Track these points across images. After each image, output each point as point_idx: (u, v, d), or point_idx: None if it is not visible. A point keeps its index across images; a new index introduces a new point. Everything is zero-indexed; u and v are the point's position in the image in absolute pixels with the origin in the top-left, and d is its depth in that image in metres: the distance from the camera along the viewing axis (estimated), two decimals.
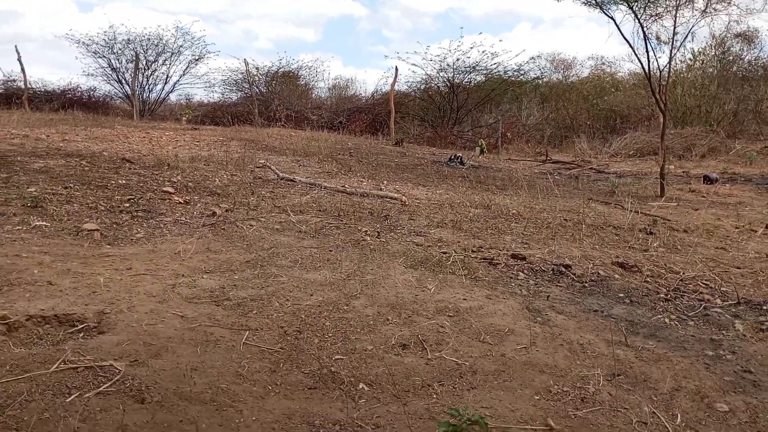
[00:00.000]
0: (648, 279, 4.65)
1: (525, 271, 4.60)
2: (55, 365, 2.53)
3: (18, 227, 4.45)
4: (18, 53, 16.24)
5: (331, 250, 4.78)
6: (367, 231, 5.47)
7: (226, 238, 4.88)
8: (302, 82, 22.15)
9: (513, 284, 4.26)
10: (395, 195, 7.39)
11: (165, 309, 3.28)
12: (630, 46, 10.98)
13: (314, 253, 4.66)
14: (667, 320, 3.77)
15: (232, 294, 3.62)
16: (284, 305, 3.54)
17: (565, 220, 6.76)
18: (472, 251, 5.08)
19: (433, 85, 19.76)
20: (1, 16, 40.30)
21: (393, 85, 17.61)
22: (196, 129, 14.22)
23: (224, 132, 13.80)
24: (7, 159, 6.97)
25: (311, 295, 3.74)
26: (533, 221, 6.55)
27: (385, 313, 3.51)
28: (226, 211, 5.78)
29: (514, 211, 7.02)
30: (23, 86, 16.60)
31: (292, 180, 7.85)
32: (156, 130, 12.94)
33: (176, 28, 20.08)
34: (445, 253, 4.92)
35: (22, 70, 16.67)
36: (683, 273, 4.86)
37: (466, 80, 19.38)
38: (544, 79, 22.16)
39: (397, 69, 17.69)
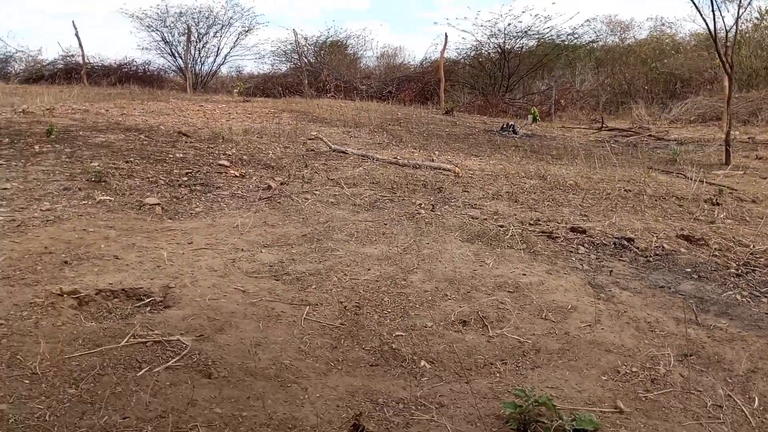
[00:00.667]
0: (716, 253, 4.45)
1: (585, 244, 4.47)
2: (125, 339, 2.61)
3: (84, 202, 4.59)
4: (75, 28, 16.69)
5: (386, 224, 4.76)
6: (421, 204, 5.42)
7: (282, 211, 4.92)
8: (350, 52, 22.01)
9: (573, 258, 4.15)
10: (448, 166, 7.29)
11: (227, 283, 3.33)
12: (694, 5, 10.39)
13: (369, 227, 4.65)
14: (738, 297, 3.61)
15: (290, 268, 3.65)
16: (342, 280, 3.54)
17: (625, 190, 6.54)
18: (530, 224, 4.97)
19: (483, 51, 19.32)
20: None
21: (443, 52, 17.28)
22: (247, 101, 14.34)
23: (275, 104, 13.86)
24: (70, 134, 7.18)
25: (368, 269, 3.73)
26: (591, 192, 6.35)
27: (443, 289, 3.48)
28: (281, 184, 5.82)
29: (571, 182, 6.83)
30: (81, 61, 17.06)
31: (344, 152, 7.83)
32: (209, 102, 13.11)
33: (226, 0, 20.17)
34: (501, 226, 4.83)
35: (80, 45, 17.13)
36: (753, 246, 4.64)
37: (517, 46, 18.85)
38: (600, 43, 21.34)
39: (446, 36, 17.36)
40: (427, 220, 4.90)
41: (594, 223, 5.09)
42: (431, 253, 4.09)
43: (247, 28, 19.37)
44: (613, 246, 4.46)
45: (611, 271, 3.90)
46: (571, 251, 4.31)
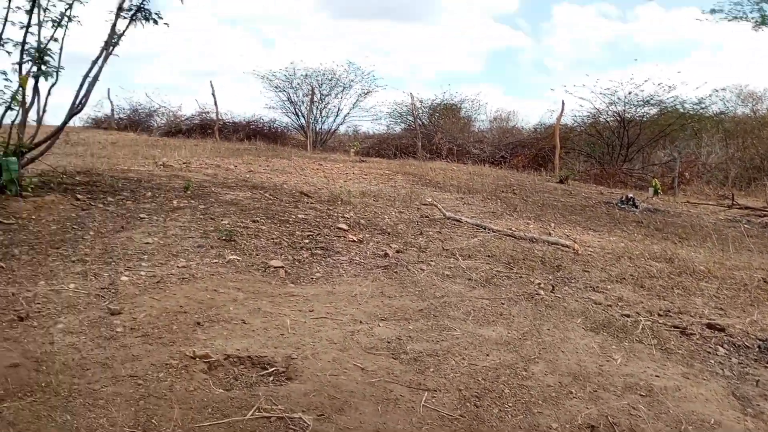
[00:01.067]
0: None
1: (725, 345, 4.10)
2: (251, 412, 2.66)
3: (215, 260, 4.85)
4: (212, 87, 18.24)
5: (503, 303, 4.64)
6: (540, 283, 5.25)
7: (399, 282, 4.93)
8: (464, 115, 22.28)
9: (712, 361, 3.81)
10: (566, 242, 7.05)
11: (346, 358, 3.35)
12: None
13: (486, 305, 4.54)
14: None
15: (408, 347, 3.61)
16: (460, 364, 3.45)
17: (764, 281, 5.99)
18: (659, 315, 4.65)
19: (601, 119, 18.85)
20: (203, 52, 45.48)
21: (559, 119, 17.08)
22: (363, 161, 14.80)
23: (389, 165, 14.20)
24: (204, 189, 7.69)
25: (487, 355, 3.62)
26: (727, 281, 5.88)
27: (567, 384, 3.29)
28: (397, 252, 5.86)
29: (702, 268, 6.36)
30: (215, 117, 18.47)
31: (458, 220, 7.82)
32: (327, 161, 13.66)
33: (348, 64, 21.23)
34: (628, 315, 4.56)
35: (215, 103, 18.59)
36: None
37: (638, 114, 18.24)
38: (729, 114, 20.21)
39: (563, 103, 17.15)
40: (547, 303, 4.73)
41: (733, 319, 4.68)
42: (553, 341, 3.92)
43: (366, 91, 20.21)
44: (757, 349, 4.06)
45: (758, 381, 3.53)
46: (709, 352, 3.96)
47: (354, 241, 6.12)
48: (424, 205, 8.78)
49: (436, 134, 18.36)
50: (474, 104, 21.69)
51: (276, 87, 19.91)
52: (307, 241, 5.87)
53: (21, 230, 5.08)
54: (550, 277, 5.52)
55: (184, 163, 10.66)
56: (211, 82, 19.54)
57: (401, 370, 3.32)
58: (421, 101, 20.27)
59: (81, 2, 6.34)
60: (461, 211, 8.68)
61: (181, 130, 18.50)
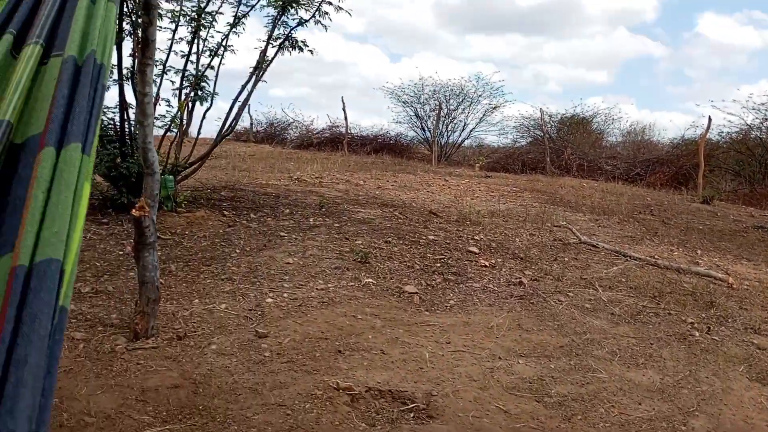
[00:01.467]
0: None
1: None
2: None
3: (351, 283, 4.93)
4: (343, 103, 18.77)
5: (652, 344, 4.31)
6: (693, 323, 4.83)
7: (536, 314, 4.74)
8: (594, 128, 21.29)
9: None
10: (719, 274, 6.46)
11: (487, 398, 3.24)
12: None
13: (633, 345, 4.24)
14: None
15: (552, 389, 3.44)
16: (610, 413, 3.23)
17: None
18: None
19: (752, 135, 17.23)
20: (332, 67, 47.34)
21: (704, 135, 15.82)
22: (488, 177, 14.58)
23: (516, 181, 13.88)
24: (336, 207, 7.91)
25: (639, 403, 3.36)
26: None
27: None
28: (532, 280, 5.66)
29: None
30: (345, 132, 19.05)
31: (594, 245, 7.43)
32: (452, 177, 13.60)
33: (477, 79, 21.05)
34: None
35: (345, 118, 19.18)
36: None
37: None
38: None
39: (710, 119, 15.86)
40: (702, 346, 4.33)
41: None
42: (713, 391, 3.57)
43: (494, 106, 19.94)
44: None
45: None
46: None
47: (486, 266, 5.99)
48: (556, 227, 8.44)
49: (565, 149, 17.70)
50: (607, 118, 20.67)
51: (404, 102, 20.21)
52: (438, 264, 5.82)
53: (176, 246, 5.47)
54: (704, 315, 5.07)
55: (316, 177, 11.06)
56: (342, 98, 20.20)
57: (546, 415, 3.16)
58: (550, 115, 19.66)
59: (236, 33, 6.78)
60: (596, 235, 8.25)
61: (313, 143, 19.25)
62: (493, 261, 6.20)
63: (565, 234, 7.98)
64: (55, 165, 1.10)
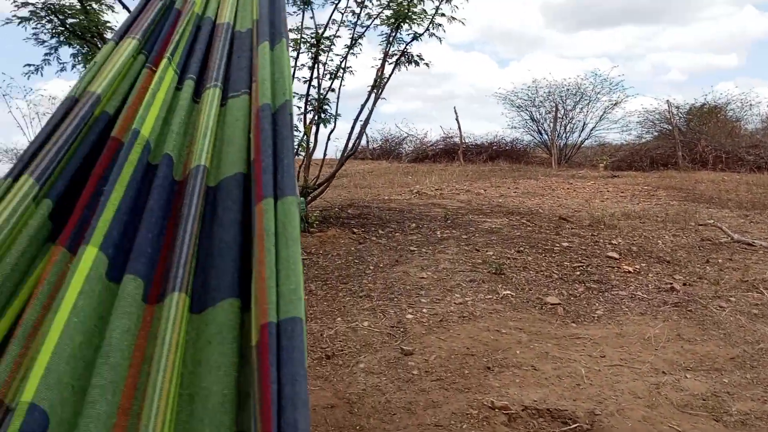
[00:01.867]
0: None
1: None
2: None
3: (489, 296, 4.80)
4: (456, 113, 18.69)
5: None
6: None
7: (696, 322, 4.35)
8: (729, 116, 19.55)
9: None
10: None
11: (658, 418, 2.98)
12: None
13: None
14: None
15: (731, 407, 3.10)
16: None
17: None
18: None
19: None
20: (440, 78, 47.51)
21: None
22: (615, 176, 13.84)
23: (647, 179, 13.06)
24: (461, 218, 7.80)
25: None
26: None
27: None
28: (684, 285, 5.22)
29: None
30: (459, 141, 18.92)
31: (750, 244, 6.75)
32: (576, 179, 13.04)
33: (594, 75, 20.03)
34: None
35: (459, 127, 19.06)
36: None
37: None
38: None
39: None
40: None
41: None
42: None
43: (614, 102, 18.89)
44: None
45: None
46: None
47: (630, 272, 5.61)
48: (702, 225, 7.78)
49: (698, 141, 16.41)
50: (743, 104, 18.91)
51: (518, 106, 19.70)
52: (578, 273, 5.53)
53: (313, 266, 5.61)
54: None
55: (436, 189, 11.02)
56: (454, 108, 20.07)
57: None
58: (677, 106, 18.32)
59: (353, 54, 6.92)
60: (749, 232, 7.51)
61: (428, 155, 19.25)
62: (636, 266, 5.80)
63: (714, 233, 7.33)
64: (275, 217, 1.08)
